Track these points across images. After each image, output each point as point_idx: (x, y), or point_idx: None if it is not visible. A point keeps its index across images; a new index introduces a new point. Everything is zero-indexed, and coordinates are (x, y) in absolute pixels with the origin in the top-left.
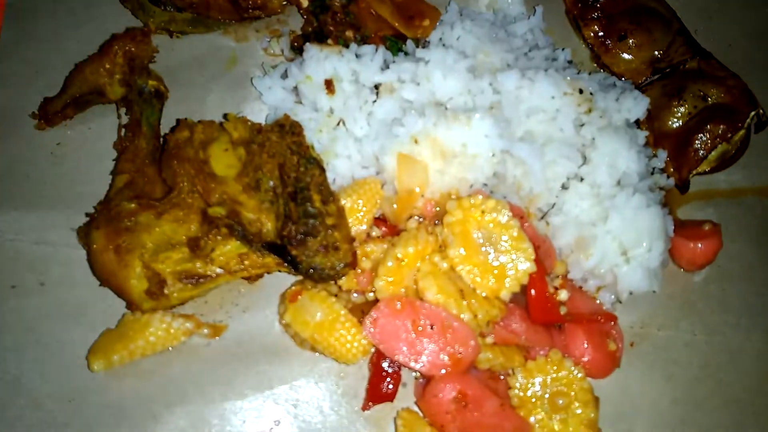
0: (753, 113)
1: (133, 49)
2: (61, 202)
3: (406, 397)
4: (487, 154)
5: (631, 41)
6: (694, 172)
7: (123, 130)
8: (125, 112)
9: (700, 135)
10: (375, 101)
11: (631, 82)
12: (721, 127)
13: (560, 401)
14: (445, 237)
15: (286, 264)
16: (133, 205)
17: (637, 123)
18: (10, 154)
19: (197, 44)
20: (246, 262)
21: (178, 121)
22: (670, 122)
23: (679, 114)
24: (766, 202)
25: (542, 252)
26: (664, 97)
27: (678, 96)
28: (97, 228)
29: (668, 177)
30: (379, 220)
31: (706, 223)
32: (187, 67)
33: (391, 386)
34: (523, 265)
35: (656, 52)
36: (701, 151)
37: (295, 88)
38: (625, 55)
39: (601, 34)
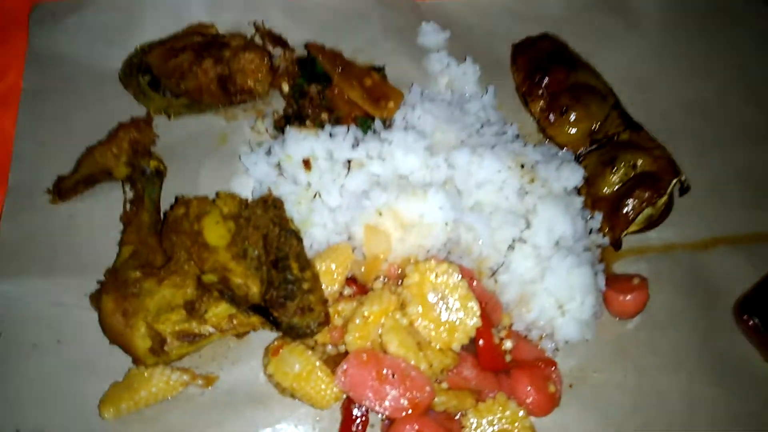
0: (675, 181)
1: (137, 136)
2: (73, 269)
3: None
4: (441, 223)
5: (571, 116)
6: (626, 232)
7: (128, 205)
8: (129, 189)
9: (629, 200)
10: (347, 175)
11: (571, 152)
12: (647, 193)
13: None
14: (405, 297)
15: (269, 323)
16: (137, 273)
17: (578, 189)
18: (28, 226)
19: (192, 124)
20: (235, 322)
21: (176, 198)
22: (604, 188)
23: (613, 181)
24: (693, 256)
25: (490, 307)
26: (600, 165)
27: (611, 164)
28: (106, 293)
29: (604, 236)
30: (351, 280)
31: (635, 277)
32: (183, 144)
33: (360, 428)
34: (470, 320)
35: (593, 125)
36: (630, 214)
37: (278, 164)
38: (567, 128)
39: (545, 109)
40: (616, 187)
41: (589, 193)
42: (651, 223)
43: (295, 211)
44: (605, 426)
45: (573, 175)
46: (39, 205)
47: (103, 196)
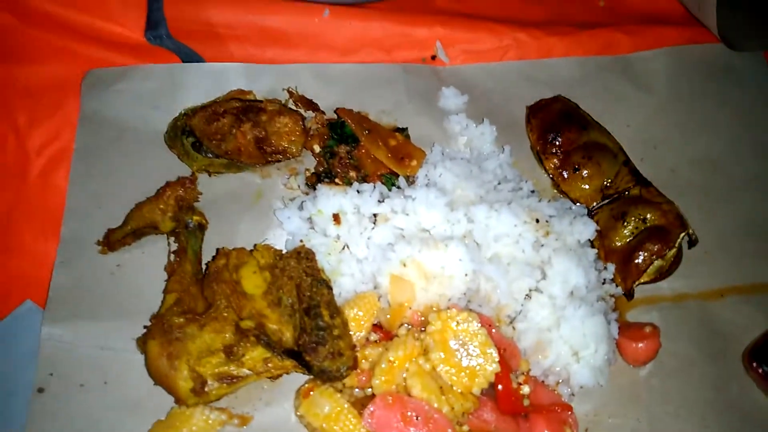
0: (683, 234)
1: (182, 193)
2: (120, 315)
3: None
4: (461, 274)
5: (584, 173)
6: (637, 282)
7: (172, 256)
8: (174, 241)
9: (640, 252)
10: (373, 229)
11: (584, 207)
12: (657, 246)
13: None
14: (428, 343)
15: (301, 366)
16: (181, 320)
17: (592, 241)
18: (78, 274)
19: (231, 181)
20: (269, 365)
21: (217, 250)
22: (616, 241)
23: (624, 234)
24: (704, 305)
25: (508, 353)
26: (611, 219)
27: (622, 218)
28: (152, 338)
29: (617, 286)
30: (377, 327)
31: (647, 326)
32: (223, 200)
33: None
34: (489, 366)
35: (605, 182)
36: (641, 266)
37: (310, 218)
38: (580, 184)
39: (559, 166)
40: (628, 240)
41: (602, 245)
42: (662, 274)
43: (325, 261)
44: None
45: (586, 229)
46: (89, 256)
47: (149, 248)
